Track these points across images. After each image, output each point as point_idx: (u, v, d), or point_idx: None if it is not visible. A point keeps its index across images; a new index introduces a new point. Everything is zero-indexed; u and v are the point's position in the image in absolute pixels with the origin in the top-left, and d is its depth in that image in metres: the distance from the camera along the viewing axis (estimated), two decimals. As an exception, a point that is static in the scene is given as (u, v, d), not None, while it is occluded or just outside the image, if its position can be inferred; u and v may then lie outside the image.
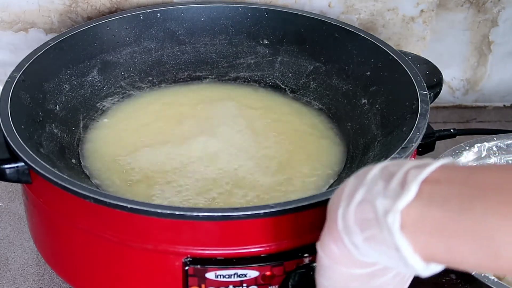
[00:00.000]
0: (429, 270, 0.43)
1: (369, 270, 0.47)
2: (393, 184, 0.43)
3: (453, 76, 1.00)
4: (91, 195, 0.55)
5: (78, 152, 0.73)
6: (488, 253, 0.40)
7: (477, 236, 0.40)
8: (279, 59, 0.85)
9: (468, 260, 0.42)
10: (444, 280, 0.71)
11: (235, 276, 0.57)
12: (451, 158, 0.45)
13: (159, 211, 0.54)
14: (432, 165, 0.43)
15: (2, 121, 0.63)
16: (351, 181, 0.46)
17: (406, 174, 0.44)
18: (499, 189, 0.40)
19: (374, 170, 0.45)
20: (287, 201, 0.56)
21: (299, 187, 0.69)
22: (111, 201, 0.55)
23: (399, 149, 0.62)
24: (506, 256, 0.40)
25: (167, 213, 0.54)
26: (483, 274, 0.62)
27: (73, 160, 0.71)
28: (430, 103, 0.69)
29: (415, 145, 0.63)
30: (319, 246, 0.48)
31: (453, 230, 0.41)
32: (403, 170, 0.44)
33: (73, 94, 0.77)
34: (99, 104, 0.79)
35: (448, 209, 0.41)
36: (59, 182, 0.57)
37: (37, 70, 0.72)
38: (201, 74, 0.86)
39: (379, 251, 0.44)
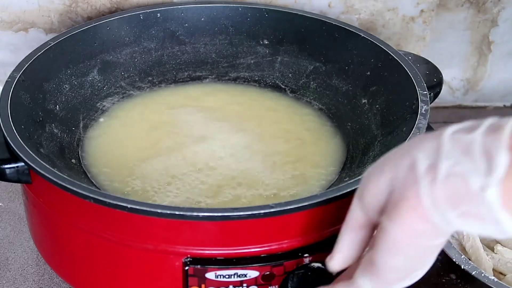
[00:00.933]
0: None
1: (445, 239, 0.45)
2: (477, 156, 0.42)
3: (453, 76, 1.00)
4: (91, 195, 0.55)
5: (78, 152, 0.73)
6: None
7: None
8: (279, 59, 0.85)
9: None
10: (444, 280, 0.71)
11: (235, 276, 0.57)
12: None
13: (159, 211, 0.54)
14: (505, 129, 0.42)
15: (2, 121, 0.63)
16: (418, 156, 0.44)
17: (484, 143, 0.42)
18: None
19: (445, 141, 0.43)
20: (287, 201, 0.56)
21: (299, 187, 0.69)
22: (111, 201, 0.55)
23: (399, 149, 0.62)
24: None
25: (167, 213, 0.54)
26: (483, 274, 0.62)
27: (73, 160, 0.71)
28: (430, 103, 0.69)
29: (415, 145, 0.63)
30: (393, 225, 0.45)
31: None
32: (477, 139, 0.42)
33: (73, 94, 0.77)
34: (99, 104, 0.79)
35: None
36: (59, 182, 0.57)
37: (37, 70, 0.72)
38: (201, 74, 0.86)
39: (473, 223, 0.42)
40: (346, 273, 0.52)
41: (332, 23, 0.82)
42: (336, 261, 0.52)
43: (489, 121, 0.43)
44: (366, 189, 0.48)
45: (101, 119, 0.78)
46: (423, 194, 0.43)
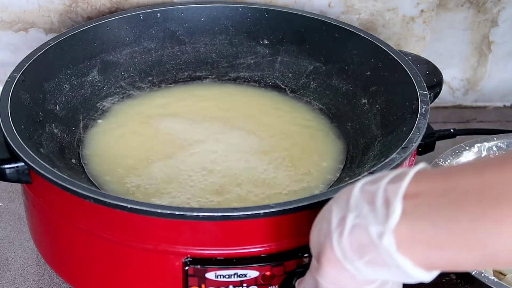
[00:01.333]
0: (432, 275, 0.44)
1: (375, 285, 0.47)
2: (378, 205, 0.44)
3: (453, 76, 1.00)
4: (91, 195, 0.55)
5: (78, 152, 0.73)
6: (484, 256, 0.41)
7: (470, 243, 0.41)
8: (279, 59, 0.85)
9: (466, 265, 0.43)
10: (444, 280, 0.71)
11: (235, 276, 0.57)
12: (423, 163, 0.45)
13: (159, 211, 0.54)
14: (406, 177, 0.44)
15: (2, 121, 0.63)
16: (334, 209, 0.47)
17: (385, 192, 0.44)
18: (479, 194, 0.41)
19: (355, 193, 0.46)
20: (287, 201, 0.56)
21: (298, 187, 0.69)
22: (111, 201, 0.55)
23: (399, 149, 0.62)
24: (502, 255, 0.41)
25: (167, 213, 0.54)
26: (483, 274, 0.62)
27: (73, 160, 0.71)
28: (430, 103, 0.69)
29: (415, 145, 0.63)
30: (319, 277, 0.48)
31: (445, 241, 0.42)
32: (381, 188, 0.44)
33: (73, 94, 0.77)
34: (99, 104, 0.79)
35: (436, 222, 0.42)
36: (59, 182, 0.57)
37: (37, 70, 0.72)
38: (201, 74, 0.86)
39: (381, 270, 0.45)
40: None
41: (332, 23, 0.82)
42: None
43: (398, 171, 0.45)
44: (310, 243, 0.50)
45: (101, 119, 0.78)
46: (335, 246, 0.46)
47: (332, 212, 0.47)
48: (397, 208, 0.43)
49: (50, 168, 0.58)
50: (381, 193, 0.44)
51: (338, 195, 0.48)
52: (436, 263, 0.43)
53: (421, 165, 0.45)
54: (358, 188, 0.46)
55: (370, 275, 0.45)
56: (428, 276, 0.44)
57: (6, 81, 0.68)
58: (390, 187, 0.44)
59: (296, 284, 0.55)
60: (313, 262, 0.50)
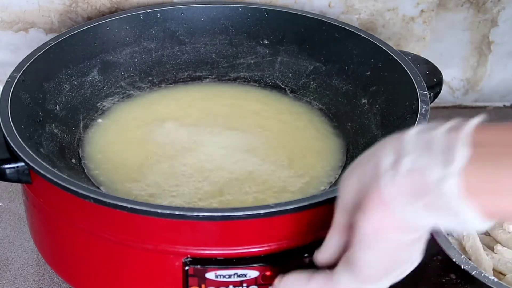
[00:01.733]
0: (488, 225, 0.44)
1: (416, 235, 0.47)
2: (439, 151, 0.44)
3: (453, 76, 1.00)
4: (91, 195, 0.55)
5: (78, 152, 0.73)
6: None
7: None
8: (279, 59, 0.85)
9: None
10: (444, 280, 0.71)
11: (235, 276, 0.57)
12: (480, 116, 0.46)
13: (159, 211, 0.54)
14: (468, 125, 0.44)
15: (2, 121, 0.63)
16: (383, 153, 0.46)
17: (446, 139, 0.44)
18: None
19: (410, 138, 0.45)
20: (287, 201, 0.56)
21: (298, 187, 0.69)
22: (111, 201, 0.55)
23: (399, 149, 0.62)
24: None
25: (167, 213, 0.54)
26: (483, 274, 0.62)
27: (73, 160, 0.71)
28: (430, 103, 0.69)
29: (415, 145, 0.63)
30: (361, 221, 0.47)
31: (510, 186, 0.42)
32: (441, 135, 0.44)
33: (73, 94, 0.77)
34: (99, 104, 0.79)
35: (502, 168, 0.42)
36: (59, 182, 0.57)
37: (37, 70, 0.72)
38: (201, 74, 0.86)
39: (436, 216, 0.44)
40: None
41: (332, 23, 0.82)
42: (321, 256, 0.53)
43: (451, 122, 0.46)
44: (342, 191, 0.50)
45: (101, 119, 0.78)
46: (384, 189, 0.45)
47: (380, 158, 0.46)
48: (461, 154, 0.43)
49: (50, 168, 0.58)
50: (442, 140, 0.44)
51: (383, 142, 0.47)
52: (499, 210, 0.43)
53: (479, 118, 0.45)
54: (410, 135, 0.46)
55: (420, 221, 0.45)
56: (484, 225, 0.44)
57: (6, 81, 0.68)
58: (451, 135, 0.44)
59: (276, 282, 0.54)
60: (338, 219, 0.50)
